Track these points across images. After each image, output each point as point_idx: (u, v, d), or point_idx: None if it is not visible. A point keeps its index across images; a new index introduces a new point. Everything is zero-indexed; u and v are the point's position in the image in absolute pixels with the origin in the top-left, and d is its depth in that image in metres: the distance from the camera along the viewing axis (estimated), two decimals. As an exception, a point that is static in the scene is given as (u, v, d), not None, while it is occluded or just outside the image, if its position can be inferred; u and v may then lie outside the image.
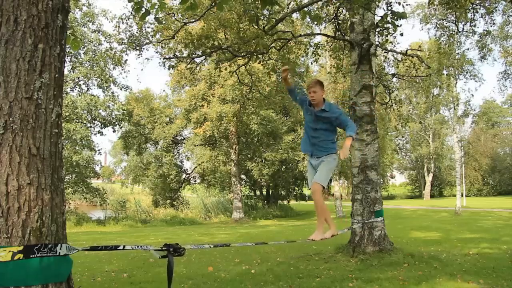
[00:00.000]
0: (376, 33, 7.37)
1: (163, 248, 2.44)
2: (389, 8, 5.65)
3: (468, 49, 34.82)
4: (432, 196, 42.88)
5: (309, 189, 4.08)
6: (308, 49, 10.53)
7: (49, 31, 2.13)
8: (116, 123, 21.13)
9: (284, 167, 23.91)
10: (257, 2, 7.03)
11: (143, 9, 3.78)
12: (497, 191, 42.63)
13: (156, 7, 4.58)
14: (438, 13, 11.65)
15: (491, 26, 10.46)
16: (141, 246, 2.52)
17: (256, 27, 7.58)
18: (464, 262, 5.86)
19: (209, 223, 20.87)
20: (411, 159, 48.39)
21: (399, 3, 7.37)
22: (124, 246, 2.38)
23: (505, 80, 21.21)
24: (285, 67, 3.99)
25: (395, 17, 5.21)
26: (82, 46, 19.29)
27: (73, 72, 19.72)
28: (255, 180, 24.99)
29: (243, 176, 25.52)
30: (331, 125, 3.94)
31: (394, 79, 12.14)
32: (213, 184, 25.23)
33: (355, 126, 3.82)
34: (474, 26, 9.68)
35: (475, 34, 10.88)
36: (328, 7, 8.74)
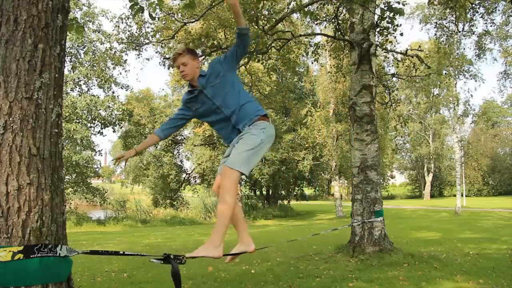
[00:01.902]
0: (376, 33, 7.37)
1: (163, 257, 2.45)
2: (387, 6, 5.65)
3: (464, 49, 34.91)
4: (432, 196, 42.91)
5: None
6: (308, 48, 10.53)
7: (49, 31, 2.13)
8: (116, 123, 21.14)
9: (284, 167, 23.91)
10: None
11: (138, 5, 3.79)
12: (497, 191, 42.65)
13: (154, 5, 4.58)
14: (438, 13, 11.66)
15: (490, 26, 10.47)
16: (140, 254, 2.54)
17: (256, 27, 7.59)
18: (464, 262, 5.86)
19: (209, 223, 20.86)
20: (411, 159, 48.43)
21: (398, 2, 7.37)
22: (124, 252, 2.40)
23: (505, 80, 21.23)
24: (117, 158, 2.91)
25: (393, 14, 5.21)
26: (82, 46, 19.31)
27: (73, 72, 19.72)
28: (255, 180, 25.00)
29: (243, 176, 25.48)
30: (227, 90, 2.72)
31: (394, 79, 12.15)
32: (213, 184, 25.23)
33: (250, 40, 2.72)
34: (473, 26, 9.69)
35: (473, 34, 10.89)
36: (327, 6, 8.74)
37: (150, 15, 5.02)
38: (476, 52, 13.72)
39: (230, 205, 2.48)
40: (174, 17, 9.99)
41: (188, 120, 3.04)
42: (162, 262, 2.45)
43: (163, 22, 10.58)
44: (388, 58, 11.37)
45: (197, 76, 2.80)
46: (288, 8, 8.92)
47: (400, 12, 4.93)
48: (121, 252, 2.41)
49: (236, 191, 2.52)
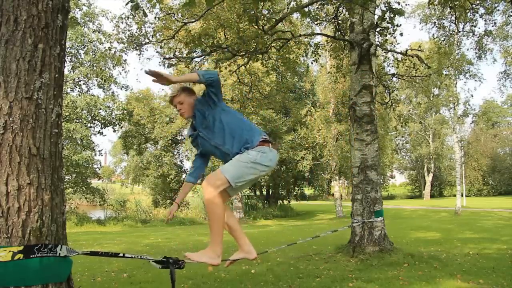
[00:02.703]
0: (376, 33, 7.37)
1: (163, 260, 2.46)
2: (387, 6, 5.66)
3: (468, 49, 34.93)
4: (432, 196, 42.92)
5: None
6: (308, 49, 10.53)
7: (49, 31, 2.13)
8: (116, 122, 21.14)
9: (284, 167, 23.88)
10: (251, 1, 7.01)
11: (134, 2, 3.79)
12: (497, 191, 42.67)
13: (155, 0, 4.58)
14: (438, 13, 11.66)
15: (492, 26, 10.47)
16: (140, 256, 2.54)
17: (256, 27, 7.58)
18: (464, 262, 5.86)
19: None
20: (411, 159, 48.44)
21: (398, 3, 7.38)
22: (124, 255, 2.40)
23: (505, 80, 21.24)
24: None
25: (393, 14, 5.21)
26: (82, 46, 19.32)
27: (73, 72, 19.73)
28: (255, 180, 24.98)
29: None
30: (218, 127, 2.71)
31: (394, 79, 12.14)
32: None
33: (215, 74, 2.66)
34: (474, 26, 9.68)
35: (474, 34, 10.88)
36: (327, 6, 8.75)
37: (144, 12, 4.99)
38: (476, 53, 13.73)
39: (213, 206, 2.49)
40: (174, 17, 9.98)
41: (208, 154, 3.03)
42: (161, 267, 2.46)
43: (163, 22, 10.57)
44: (388, 58, 11.37)
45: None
46: (288, 8, 8.91)
47: (401, 13, 4.93)
48: (121, 254, 2.41)
49: (216, 192, 2.49)
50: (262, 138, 2.72)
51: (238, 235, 2.84)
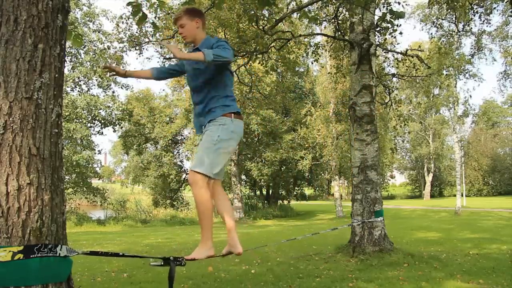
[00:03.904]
0: (376, 33, 7.37)
1: (162, 260, 2.47)
2: (388, 8, 5.66)
3: (458, 48, 34.98)
4: (432, 196, 42.95)
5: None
6: (308, 49, 10.53)
7: (49, 31, 2.13)
8: (116, 122, 21.16)
9: (284, 167, 23.88)
10: (256, 2, 7.02)
11: (141, 12, 3.77)
12: (497, 191, 42.69)
13: (156, 6, 4.58)
14: (438, 13, 11.66)
15: (486, 26, 10.48)
16: (140, 256, 2.55)
17: (256, 27, 7.58)
18: (464, 262, 5.86)
19: (209, 223, 20.80)
20: (411, 159, 48.46)
21: (399, 3, 7.38)
22: (123, 254, 2.40)
23: (505, 80, 21.25)
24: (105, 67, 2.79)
25: (394, 16, 5.21)
26: (83, 46, 19.33)
27: (73, 72, 19.74)
28: (255, 180, 25.00)
29: (243, 176, 25.53)
30: (217, 74, 2.62)
31: (394, 79, 12.14)
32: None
33: (227, 55, 2.48)
34: (468, 25, 9.68)
35: (472, 34, 10.89)
36: (328, 7, 8.74)
37: (154, 25, 4.99)
38: (472, 52, 13.73)
39: (201, 203, 2.55)
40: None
41: (179, 74, 2.98)
42: (162, 264, 2.47)
43: (163, 22, 10.58)
44: (388, 58, 11.37)
45: (201, 40, 2.68)
46: (288, 8, 8.91)
47: (401, 15, 4.93)
48: (121, 254, 2.41)
49: (201, 189, 2.52)
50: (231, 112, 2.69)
51: (227, 228, 2.81)
